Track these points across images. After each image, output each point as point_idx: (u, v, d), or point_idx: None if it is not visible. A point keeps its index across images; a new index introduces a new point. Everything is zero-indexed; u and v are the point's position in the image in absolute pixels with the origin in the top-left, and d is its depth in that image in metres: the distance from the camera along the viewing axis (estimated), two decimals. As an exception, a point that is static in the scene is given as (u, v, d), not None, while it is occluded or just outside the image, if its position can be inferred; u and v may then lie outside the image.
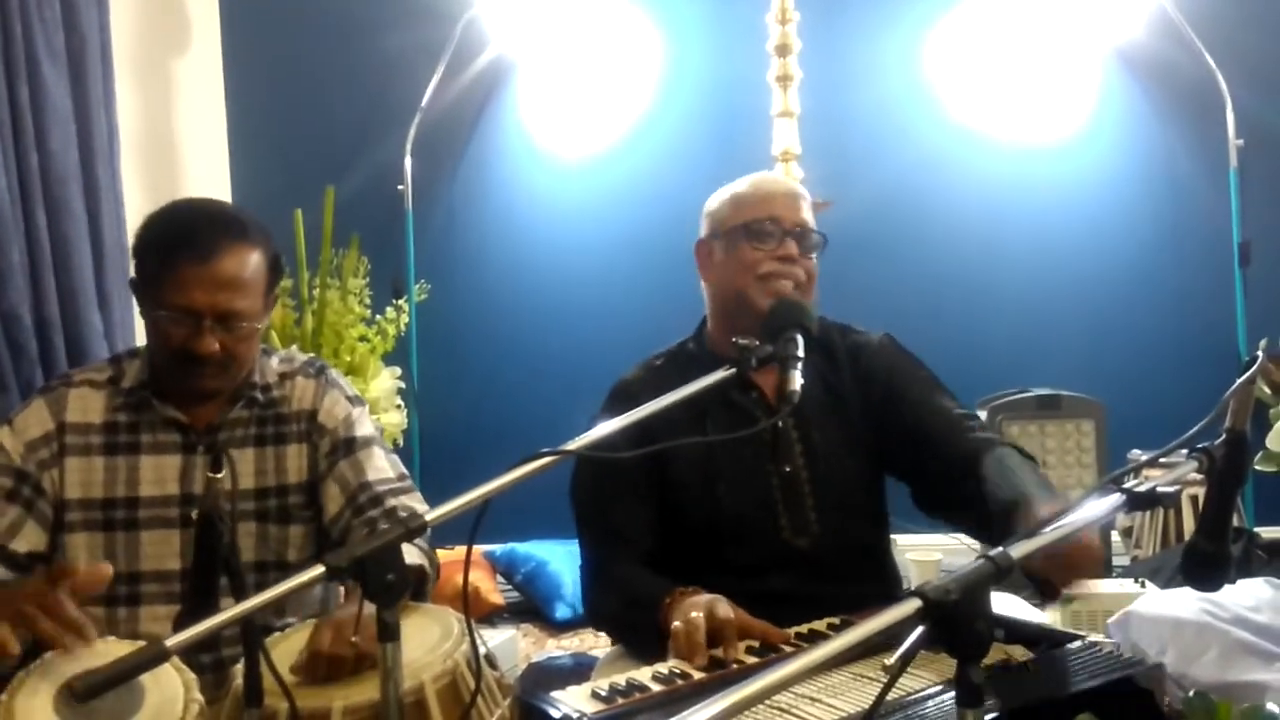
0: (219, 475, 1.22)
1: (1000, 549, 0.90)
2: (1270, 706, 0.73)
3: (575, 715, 1.19)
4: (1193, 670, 1.86)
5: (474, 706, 1.29)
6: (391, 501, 1.59)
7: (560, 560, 2.68)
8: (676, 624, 1.37)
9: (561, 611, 2.61)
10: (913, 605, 0.83)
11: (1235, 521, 2.94)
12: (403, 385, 2.98)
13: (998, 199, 3.22)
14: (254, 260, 1.53)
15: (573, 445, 1.26)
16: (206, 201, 1.63)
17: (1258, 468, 3.05)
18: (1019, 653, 1.39)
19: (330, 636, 1.28)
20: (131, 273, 1.58)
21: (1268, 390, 3.03)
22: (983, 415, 2.78)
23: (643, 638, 1.49)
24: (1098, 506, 1.02)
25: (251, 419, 1.60)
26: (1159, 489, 1.02)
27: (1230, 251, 3.10)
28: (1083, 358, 3.12)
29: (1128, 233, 3.19)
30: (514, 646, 2.46)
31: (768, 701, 1.19)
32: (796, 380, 1.27)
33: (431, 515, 1.14)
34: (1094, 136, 3.23)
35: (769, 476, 1.64)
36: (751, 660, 1.36)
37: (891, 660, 0.82)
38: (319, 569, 1.05)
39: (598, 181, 3.28)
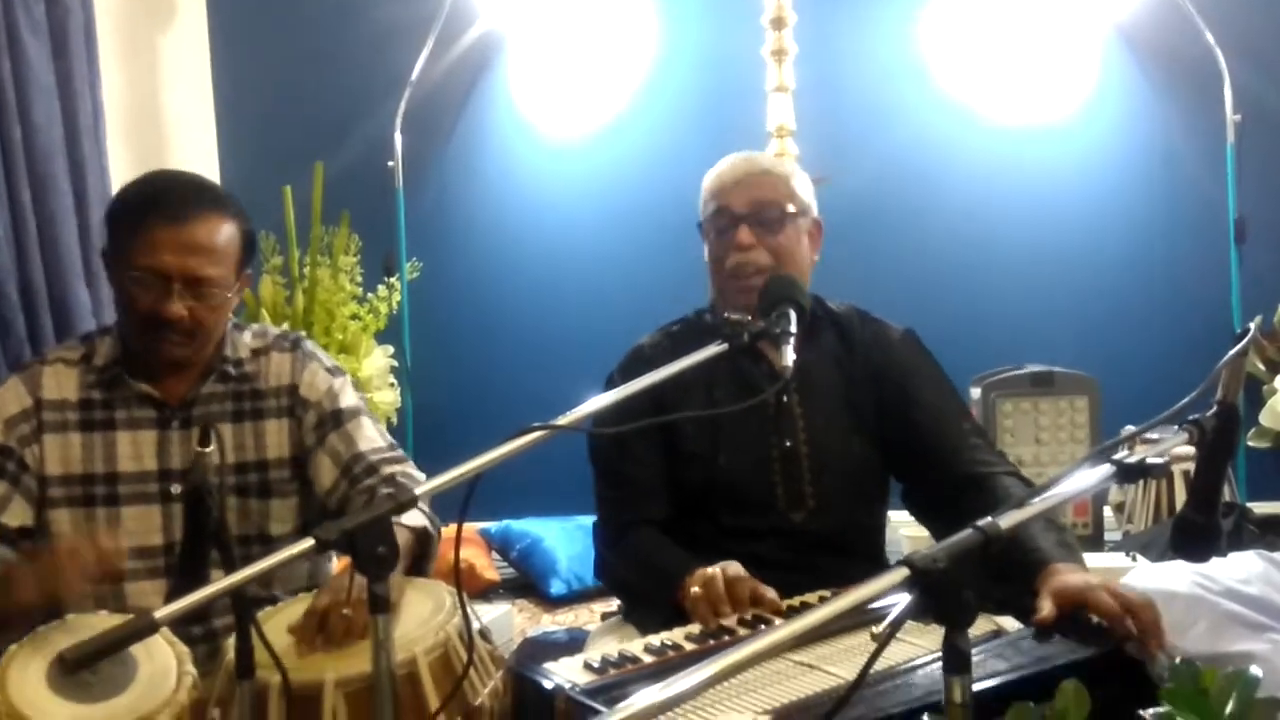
0: (207, 450, 1.23)
1: (989, 519, 0.90)
2: (1253, 669, 0.73)
3: (567, 685, 1.19)
4: (1183, 642, 1.87)
5: (466, 678, 1.30)
6: (387, 469, 1.60)
7: (555, 537, 2.69)
8: (695, 588, 1.40)
9: (556, 587, 2.63)
10: (900, 573, 0.83)
11: (1226, 495, 2.96)
12: (395, 363, 2.97)
13: (995, 176, 3.21)
14: (227, 229, 1.53)
15: (564, 419, 1.27)
16: (186, 172, 1.64)
17: (1250, 443, 3.06)
18: (1009, 623, 1.40)
19: (328, 598, 1.30)
20: (106, 242, 1.58)
21: (1261, 366, 3.03)
22: (977, 393, 2.78)
23: (655, 609, 1.51)
24: (1088, 478, 1.03)
25: (227, 394, 1.59)
26: (1148, 460, 1.02)
27: (1226, 228, 3.09)
28: (1077, 334, 3.12)
29: (1123, 209, 3.18)
30: (509, 622, 2.47)
31: (763, 668, 1.21)
32: (789, 356, 1.28)
33: (421, 489, 1.15)
34: (1092, 113, 3.21)
35: (770, 449, 1.66)
36: (743, 632, 1.37)
37: (880, 628, 0.83)
38: (309, 542, 1.05)
39: (590, 158, 3.27)
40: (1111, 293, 3.17)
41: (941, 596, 0.83)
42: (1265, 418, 3.01)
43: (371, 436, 1.63)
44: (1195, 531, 1.19)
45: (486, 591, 2.64)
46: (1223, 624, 1.92)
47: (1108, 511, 2.93)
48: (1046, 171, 3.20)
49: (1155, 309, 3.15)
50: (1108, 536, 2.89)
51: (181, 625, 1.39)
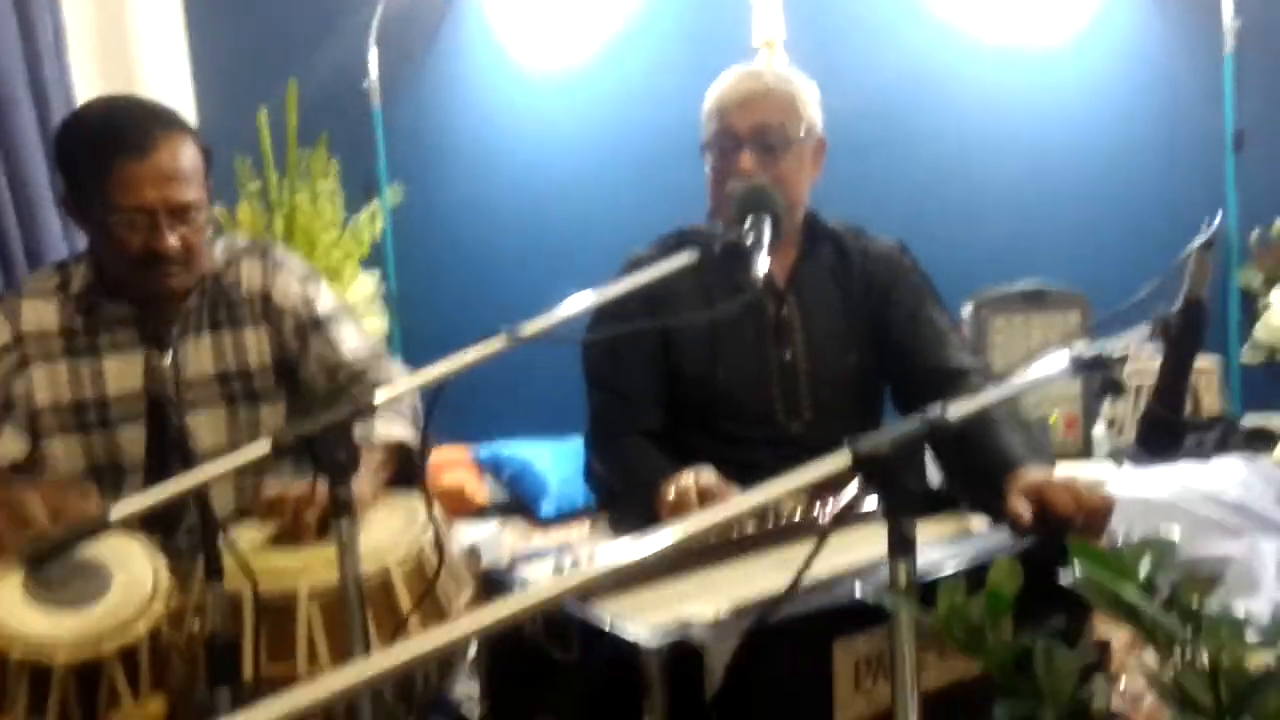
0: (163, 361, 1.24)
1: (937, 408, 0.90)
2: (1168, 530, 0.74)
3: (535, 586, 1.20)
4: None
5: (437, 582, 1.32)
6: (370, 376, 1.62)
7: (545, 459, 2.71)
8: (669, 496, 1.42)
9: (547, 509, 2.66)
10: (843, 459, 0.83)
11: (1218, 408, 2.94)
12: (382, 290, 2.94)
13: (987, 94, 3.13)
14: (188, 148, 1.52)
15: (532, 327, 1.27)
16: (127, 97, 1.63)
17: (1244, 361, 3.04)
18: (977, 524, 1.41)
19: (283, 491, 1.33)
20: (64, 188, 1.55)
21: (1260, 280, 3.00)
22: (968, 311, 2.77)
23: (636, 513, 1.54)
24: (1043, 371, 1.02)
25: (204, 306, 1.60)
26: (1103, 354, 1.01)
27: (1223, 140, 3.03)
28: (1070, 251, 3.06)
29: (1117, 123, 3.11)
30: (498, 541, 2.50)
31: (735, 568, 1.26)
32: (762, 264, 1.28)
33: (383, 396, 1.15)
34: (1089, 25, 3.11)
35: (768, 361, 1.68)
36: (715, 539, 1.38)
37: (826, 516, 0.84)
38: (265, 446, 1.06)
39: (573, 78, 3.19)
40: (1105, 208, 3.10)
41: (884, 482, 0.84)
42: (1260, 332, 2.99)
43: (353, 345, 1.66)
44: (1161, 427, 1.19)
45: (477, 513, 2.67)
46: (1201, 528, 1.94)
47: (1099, 428, 2.94)
48: (1042, 89, 3.12)
49: (1149, 223, 3.09)
50: (1098, 451, 2.89)
51: (151, 536, 1.41)
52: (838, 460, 0.84)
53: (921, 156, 3.12)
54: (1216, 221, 1.10)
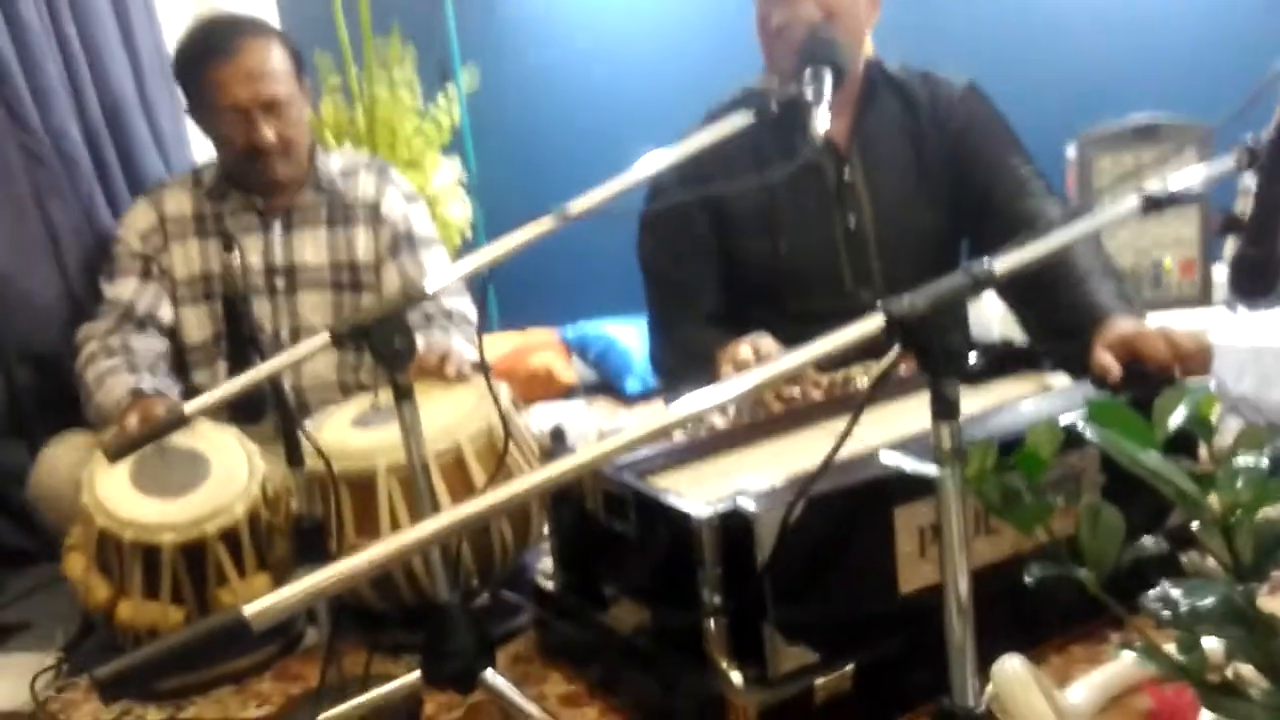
0: (230, 253, 1.34)
1: (983, 262, 0.84)
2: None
3: (596, 461, 1.23)
4: (1271, 395, 1.78)
5: (508, 455, 1.36)
6: (446, 303, 1.80)
7: (630, 337, 2.73)
8: (726, 366, 1.40)
9: (632, 385, 2.70)
10: (877, 321, 0.80)
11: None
12: (463, 178, 2.94)
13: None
14: (274, 49, 1.72)
15: (580, 204, 1.26)
16: (222, 13, 1.86)
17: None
18: (1060, 381, 1.35)
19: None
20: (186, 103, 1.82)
21: None
22: (1072, 152, 2.57)
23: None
24: (1111, 212, 0.95)
25: (320, 203, 1.81)
26: (1175, 190, 0.93)
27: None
28: (1187, 77, 2.77)
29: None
30: (583, 420, 2.55)
31: (799, 439, 1.26)
32: (822, 120, 1.20)
33: (436, 283, 1.17)
34: None
35: (833, 229, 1.61)
36: (778, 408, 1.37)
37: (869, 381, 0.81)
38: (325, 336, 1.09)
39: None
40: (1227, 24, 2.76)
41: (923, 343, 0.80)
42: None
43: (436, 273, 1.77)
44: (1252, 268, 1.09)
45: (566, 394, 2.72)
46: (1317, 378, 1.80)
47: (1219, 271, 2.73)
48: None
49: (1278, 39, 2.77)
50: (1219, 296, 2.70)
51: (246, 426, 1.50)
52: (872, 322, 0.80)
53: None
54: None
